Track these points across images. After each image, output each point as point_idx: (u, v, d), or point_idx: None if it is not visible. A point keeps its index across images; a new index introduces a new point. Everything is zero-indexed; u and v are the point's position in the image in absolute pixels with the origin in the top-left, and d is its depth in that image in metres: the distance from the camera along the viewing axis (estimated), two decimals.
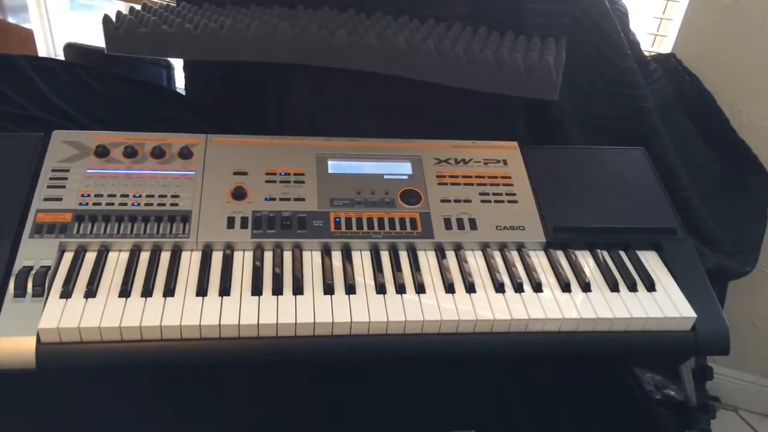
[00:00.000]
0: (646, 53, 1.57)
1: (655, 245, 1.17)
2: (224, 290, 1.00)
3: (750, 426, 1.91)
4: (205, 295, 1.00)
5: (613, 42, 1.37)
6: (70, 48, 1.81)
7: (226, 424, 1.20)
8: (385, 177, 1.20)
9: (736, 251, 1.50)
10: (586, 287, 1.08)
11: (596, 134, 1.44)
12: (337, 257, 1.09)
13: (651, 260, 1.15)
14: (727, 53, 1.56)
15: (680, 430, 1.49)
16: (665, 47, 1.66)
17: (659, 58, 1.61)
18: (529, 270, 1.10)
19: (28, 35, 2.13)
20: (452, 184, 1.20)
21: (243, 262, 1.06)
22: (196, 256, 1.06)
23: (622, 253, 1.16)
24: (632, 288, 1.09)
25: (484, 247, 1.13)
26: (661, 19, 1.68)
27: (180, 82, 1.78)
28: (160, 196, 1.11)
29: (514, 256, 1.13)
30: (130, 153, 1.15)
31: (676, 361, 1.39)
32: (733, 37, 1.54)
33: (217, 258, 1.06)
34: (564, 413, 1.22)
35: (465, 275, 1.07)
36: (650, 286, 1.10)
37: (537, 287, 1.07)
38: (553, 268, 1.12)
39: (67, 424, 1.17)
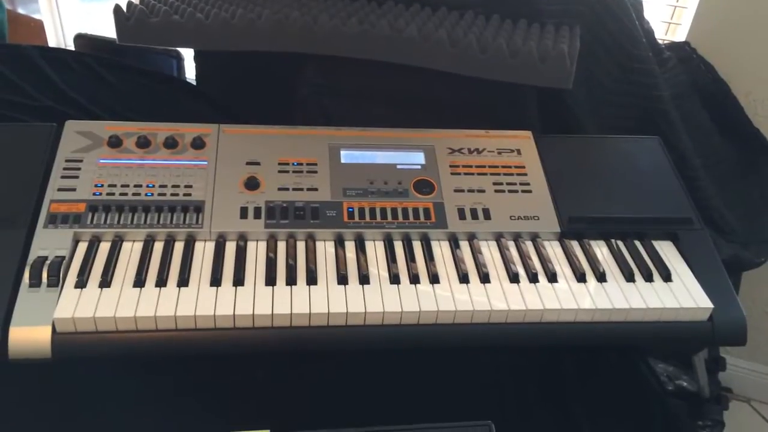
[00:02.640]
0: (661, 42, 1.55)
1: (671, 235, 1.16)
2: (238, 280, 1.00)
3: (763, 417, 1.90)
4: (219, 285, 0.99)
5: (627, 30, 1.36)
6: (80, 39, 1.81)
7: (240, 413, 1.20)
8: (398, 167, 1.19)
9: (751, 241, 1.49)
10: (601, 277, 1.08)
11: (610, 123, 1.42)
12: (350, 247, 1.08)
13: (667, 250, 1.14)
14: (742, 41, 1.54)
15: (693, 420, 1.48)
16: (679, 36, 1.64)
17: (673, 46, 1.59)
18: (544, 260, 1.09)
19: (38, 26, 2.13)
20: (465, 173, 1.20)
21: (256, 252, 1.06)
22: (210, 246, 1.06)
23: (638, 243, 1.15)
24: (648, 278, 1.08)
25: (498, 237, 1.13)
26: (675, 7, 1.67)
27: (190, 73, 1.77)
28: (173, 186, 1.11)
29: (529, 246, 1.12)
30: (143, 143, 1.15)
31: (690, 351, 1.38)
32: (748, 24, 1.52)
33: (230, 248, 1.06)
34: (578, 402, 1.22)
35: (479, 265, 1.07)
36: (666, 277, 1.09)
37: (552, 277, 1.07)
38: (567, 258, 1.11)
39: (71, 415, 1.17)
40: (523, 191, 1.18)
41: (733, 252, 1.43)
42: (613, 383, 1.27)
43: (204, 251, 1.05)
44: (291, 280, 1.01)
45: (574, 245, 1.13)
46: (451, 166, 1.20)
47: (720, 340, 1.07)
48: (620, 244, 1.15)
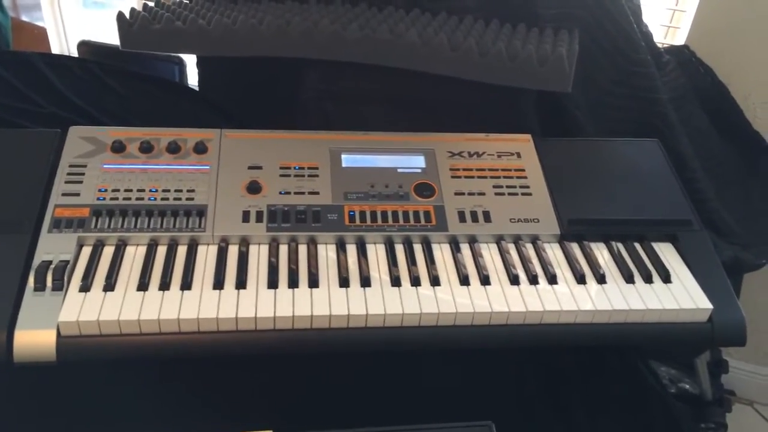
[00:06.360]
0: (660, 45, 1.56)
1: (671, 237, 1.17)
2: (240, 283, 1.01)
3: (766, 420, 1.90)
4: (222, 288, 1.00)
5: (626, 34, 1.36)
6: (83, 45, 1.82)
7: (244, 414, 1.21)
8: (399, 170, 1.20)
9: (751, 243, 1.49)
10: (601, 279, 1.08)
11: (610, 126, 1.43)
12: (351, 250, 1.09)
13: (666, 252, 1.15)
14: (741, 44, 1.55)
15: (695, 423, 1.48)
16: (678, 39, 1.65)
17: (672, 49, 1.60)
18: (544, 262, 1.10)
19: (41, 33, 2.14)
20: (466, 177, 1.20)
21: (258, 255, 1.06)
22: (213, 249, 1.07)
23: (637, 245, 1.15)
24: (648, 279, 1.09)
25: (499, 240, 1.14)
26: (674, 10, 1.68)
27: (192, 79, 1.78)
28: (176, 191, 1.12)
29: (529, 248, 1.13)
30: (146, 148, 1.16)
31: (692, 353, 1.39)
32: (747, 28, 1.53)
33: (233, 251, 1.06)
34: (579, 404, 1.22)
35: (480, 268, 1.07)
36: (666, 278, 1.09)
37: (552, 279, 1.07)
38: (567, 261, 1.11)
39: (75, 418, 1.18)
40: (523, 194, 1.19)
41: (734, 254, 1.44)
42: (614, 385, 1.28)
43: (207, 255, 1.06)
44: (293, 283, 1.02)
45: (574, 247, 1.14)
46: (451, 170, 1.21)
47: (719, 340, 1.07)
48: (620, 246, 1.16)
